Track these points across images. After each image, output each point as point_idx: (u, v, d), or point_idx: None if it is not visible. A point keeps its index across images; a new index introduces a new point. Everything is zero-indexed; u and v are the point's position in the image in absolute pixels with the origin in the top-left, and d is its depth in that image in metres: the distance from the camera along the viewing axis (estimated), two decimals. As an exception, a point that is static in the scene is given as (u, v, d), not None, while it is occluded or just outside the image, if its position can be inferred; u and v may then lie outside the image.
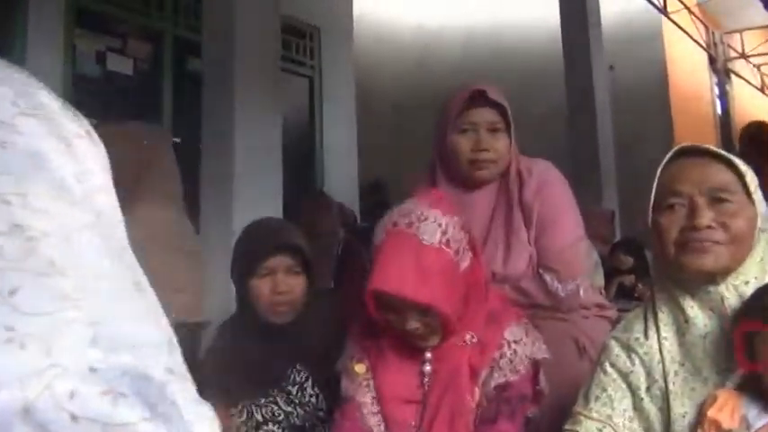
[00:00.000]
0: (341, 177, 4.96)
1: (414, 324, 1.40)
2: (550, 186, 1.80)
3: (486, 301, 1.51)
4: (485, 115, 1.78)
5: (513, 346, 1.45)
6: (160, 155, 2.32)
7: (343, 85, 5.03)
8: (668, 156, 1.22)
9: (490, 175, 1.81)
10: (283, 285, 1.74)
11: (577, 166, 4.76)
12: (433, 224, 1.41)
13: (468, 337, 1.46)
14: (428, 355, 1.49)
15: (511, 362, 1.44)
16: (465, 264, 1.44)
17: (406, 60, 7.62)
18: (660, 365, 1.22)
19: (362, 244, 3.08)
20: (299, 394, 1.73)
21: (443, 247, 1.40)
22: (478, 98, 1.78)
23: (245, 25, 3.05)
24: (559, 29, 5.41)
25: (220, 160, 3.02)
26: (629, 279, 4.08)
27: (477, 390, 1.43)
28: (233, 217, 2.88)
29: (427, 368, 1.49)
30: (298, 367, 1.75)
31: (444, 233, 1.41)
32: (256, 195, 2.97)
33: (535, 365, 1.46)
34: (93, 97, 3.98)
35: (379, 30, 7.52)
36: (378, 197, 5.32)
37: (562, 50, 5.32)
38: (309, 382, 1.74)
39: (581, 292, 1.76)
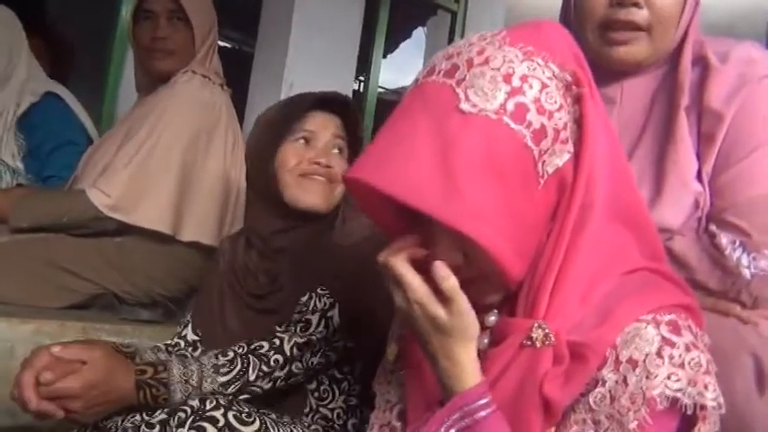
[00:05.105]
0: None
1: (445, 253, 0.74)
2: (759, 87, 1.03)
3: (610, 259, 0.77)
4: None
5: (625, 367, 0.71)
6: None
7: (490, 24, 4.32)
8: None
9: (642, 55, 1.07)
10: (324, 157, 1.21)
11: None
12: (494, 74, 0.72)
13: (537, 332, 0.74)
14: (485, 341, 0.81)
15: (611, 399, 0.70)
16: (556, 163, 0.74)
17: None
18: None
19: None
20: (323, 324, 1.14)
21: (506, 120, 0.71)
22: None
23: None
24: None
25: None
26: None
27: None
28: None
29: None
30: (320, 290, 1.18)
31: (515, 93, 0.72)
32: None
33: (677, 413, 0.71)
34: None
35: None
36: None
37: None
38: (336, 311, 1.16)
39: (783, 275, 1.00)
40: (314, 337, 1.14)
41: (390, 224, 0.83)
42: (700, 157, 1.04)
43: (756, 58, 1.06)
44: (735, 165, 1.02)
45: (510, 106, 0.71)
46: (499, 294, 0.79)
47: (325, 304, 1.16)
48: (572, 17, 1.12)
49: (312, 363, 1.15)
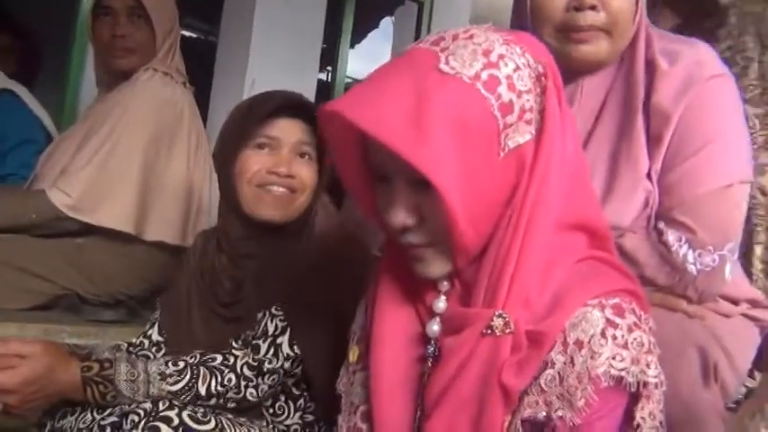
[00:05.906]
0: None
1: (401, 210, 0.79)
2: (705, 87, 1.06)
3: (562, 251, 0.81)
4: None
5: (572, 348, 0.74)
6: None
7: (457, 13, 4.35)
8: None
9: (603, 54, 1.09)
10: (285, 166, 1.17)
11: None
12: (475, 48, 0.77)
13: (497, 321, 0.77)
14: (434, 327, 0.84)
15: (560, 379, 0.74)
16: (518, 140, 0.78)
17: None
18: None
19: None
20: (271, 351, 1.13)
21: (478, 86, 0.75)
22: None
23: None
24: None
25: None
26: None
27: (505, 421, 0.77)
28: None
29: (430, 349, 0.84)
30: (274, 310, 1.15)
31: (490, 66, 0.77)
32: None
33: (622, 390, 0.75)
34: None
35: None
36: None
37: None
38: (286, 338, 1.13)
39: (727, 272, 1.03)
40: (264, 367, 1.12)
41: (355, 182, 0.86)
42: (649, 155, 1.07)
43: (705, 60, 1.09)
44: (682, 163, 1.04)
45: (484, 76, 0.76)
46: (446, 267, 0.81)
47: (276, 328, 1.13)
48: (527, 22, 1.13)
49: (265, 389, 1.13)
